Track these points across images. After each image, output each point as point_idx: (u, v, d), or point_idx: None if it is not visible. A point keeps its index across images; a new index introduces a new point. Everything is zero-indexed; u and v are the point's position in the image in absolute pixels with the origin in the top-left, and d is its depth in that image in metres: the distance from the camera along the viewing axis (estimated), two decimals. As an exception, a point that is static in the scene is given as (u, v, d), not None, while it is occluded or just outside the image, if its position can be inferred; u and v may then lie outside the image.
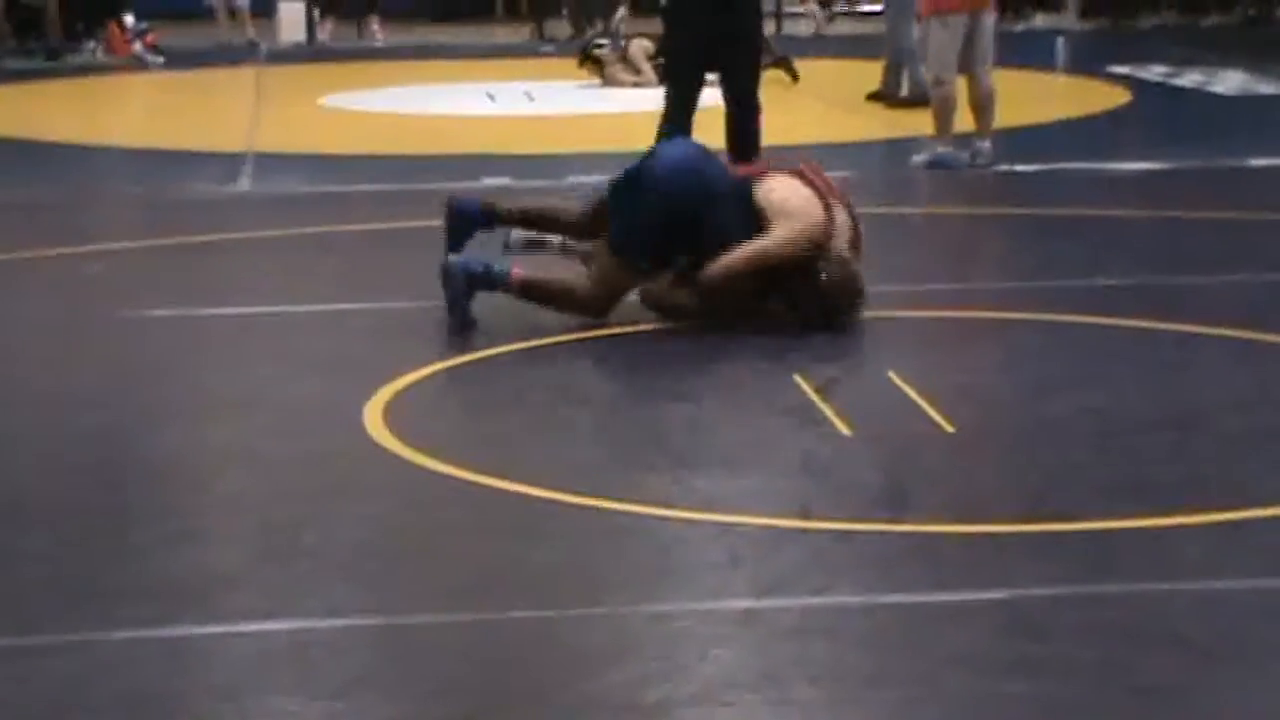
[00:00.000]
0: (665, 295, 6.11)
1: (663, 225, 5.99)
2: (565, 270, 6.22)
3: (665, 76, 9.03)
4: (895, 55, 12.07)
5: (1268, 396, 5.32)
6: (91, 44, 16.46)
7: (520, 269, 6.15)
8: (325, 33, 18.09)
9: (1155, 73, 14.30)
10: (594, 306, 6.10)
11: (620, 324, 6.15)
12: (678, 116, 8.01)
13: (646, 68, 13.76)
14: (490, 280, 6.11)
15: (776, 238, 5.91)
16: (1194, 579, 3.88)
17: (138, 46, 16.03)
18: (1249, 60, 15.00)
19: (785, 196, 5.97)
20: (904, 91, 12.00)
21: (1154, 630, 3.62)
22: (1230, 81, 13.74)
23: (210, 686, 3.47)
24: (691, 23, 8.07)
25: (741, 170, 6.40)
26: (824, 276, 5.87)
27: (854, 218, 6.09)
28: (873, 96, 12.27)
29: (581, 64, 14.13)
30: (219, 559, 4.15)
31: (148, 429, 5.18)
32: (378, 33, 17.94)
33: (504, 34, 18.58)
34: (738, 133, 8.10)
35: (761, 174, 6.17)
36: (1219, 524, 4.18)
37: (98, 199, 9.36)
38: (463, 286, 6.08)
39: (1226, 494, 4.36)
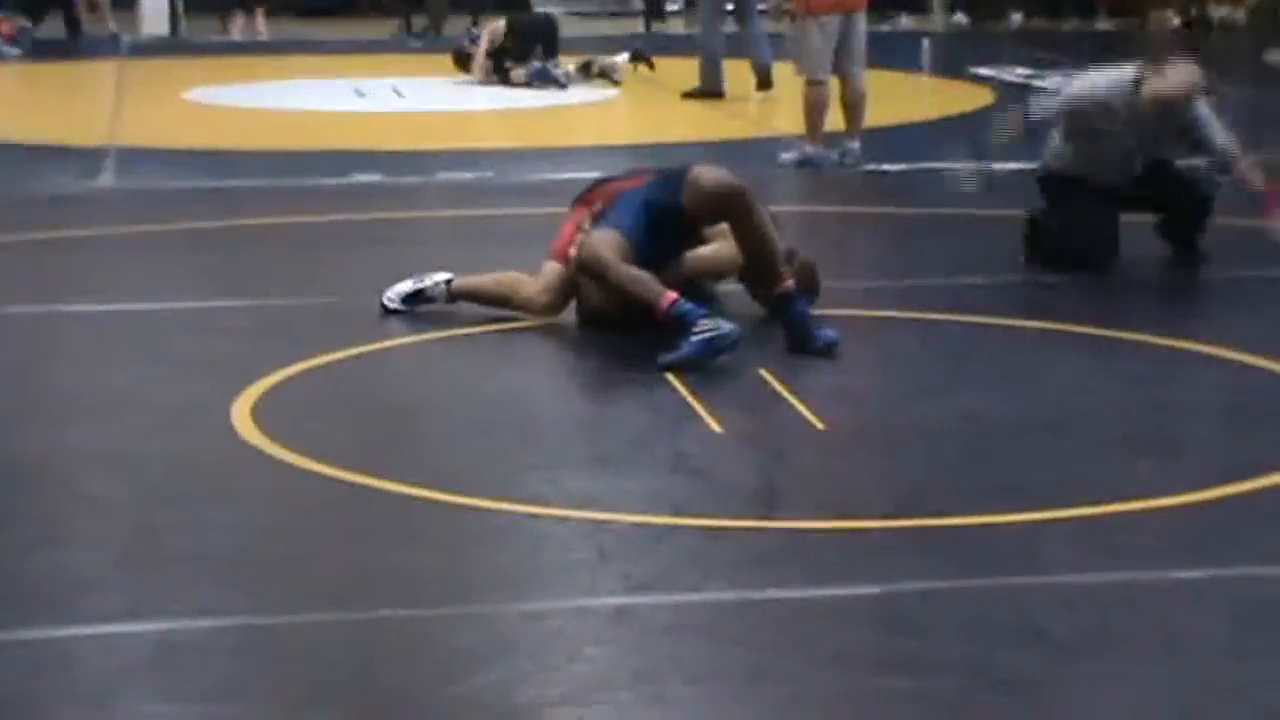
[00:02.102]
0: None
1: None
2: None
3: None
4: (709, 54, 12.36)
5: (1129, 395, 5.42)
6: (-55, 36, 16.10)
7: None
8: (238, 30, 17.77)
9: (1018, 75, 14.52)
10: (548, 306, 6.04)
11: (494, 323, 6.12)
12: None
13: (480, 53, 13.71)
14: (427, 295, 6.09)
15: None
16: (1058, 574, 3.94)
17: (-6, 37, 15.69)
18: (1109, 63, 15.26)
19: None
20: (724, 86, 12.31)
21: (1019, 625, 3.67)
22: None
23: (73, 693, 3.40)
24: None
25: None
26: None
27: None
28: (689, 95, 12.43)
29: (456, 62, 14.07)
30: (82, 562, 4.06)
31: (6, 431, 5.06)
32: (260, 26, 17.69)
33: (371, 30, 18.42)
34: None
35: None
36: (1082, 520, 4.24)
37: (-46, 194, 9.15)
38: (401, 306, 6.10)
39: (1090, 492, 4.43)
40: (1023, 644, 3.57)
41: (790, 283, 5.63)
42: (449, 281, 6.15)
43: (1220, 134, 6.94)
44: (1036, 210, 7.06)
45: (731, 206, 5.61)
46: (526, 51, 13.59)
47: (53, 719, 3.29)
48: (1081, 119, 6.89)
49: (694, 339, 5.37)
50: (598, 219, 5.91)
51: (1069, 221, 6.83)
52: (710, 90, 12.38)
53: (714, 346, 5.38)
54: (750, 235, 5.64)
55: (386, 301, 6.16)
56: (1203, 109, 6.94)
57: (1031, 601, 3.78)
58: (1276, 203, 6.85)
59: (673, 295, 5.51)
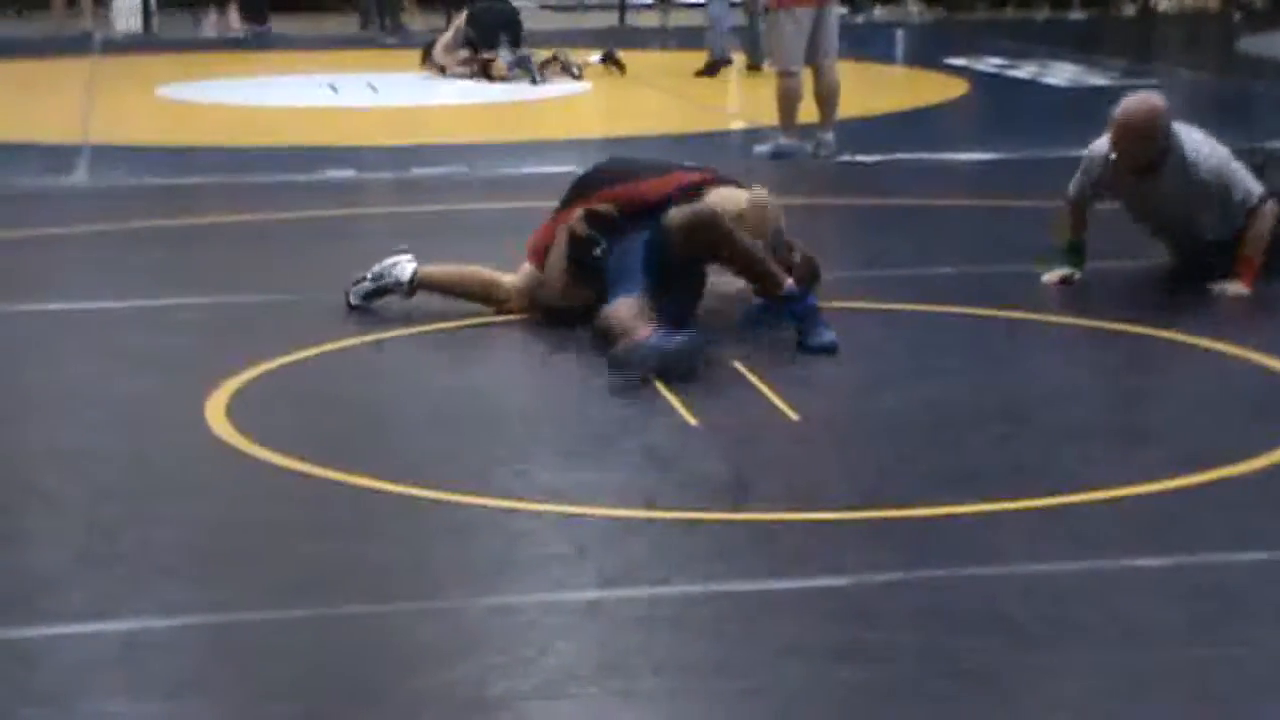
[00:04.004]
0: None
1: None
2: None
3: None
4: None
5: (1090, 383, 5.46)
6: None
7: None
8: (213, 27, 17.71)
9: (991, 65, 14.55)
10: (520, 309, 6.06)
11: (464, 318, 6.13)
12: None
13: (441, 44, 13.76)
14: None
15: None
16: (1020, 563, 3.97)
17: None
18: (1081, 53, 15.33)
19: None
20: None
21: (980, 613, 3.70)
22: (1063, 73, 14.02)
23: (34, 692, 3.39)
24: None
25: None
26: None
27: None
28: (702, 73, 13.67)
29: (424, 62, 14.07)
30: (42, 561, 4.06)
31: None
32: (233, 22, 17.64)
33: (344, 25, 18.38)
34: None
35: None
36: (1044, 509, 4.27)
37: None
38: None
39: (1049, 481, 4.46)
40: (985, 633, 3.60)
41: (790, 284, 5.68)
42: (413, 275, 6.16)
43: (1240, 183, 6.31)
44: None
45: (707, 237, 5.67)
46: (491, 42, 13.59)
47: (13, 718, 3.28)
48: (1093, 197, 6.56)
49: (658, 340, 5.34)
50: (613, 228, 5.91)
51: None
52: (720, 61, 13.67)
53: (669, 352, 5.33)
54: (733, 258, 5.71)
55: (351, 298, 6.18)
56: (1194, 149, 6.29)
57: (993, 591, 3.81)
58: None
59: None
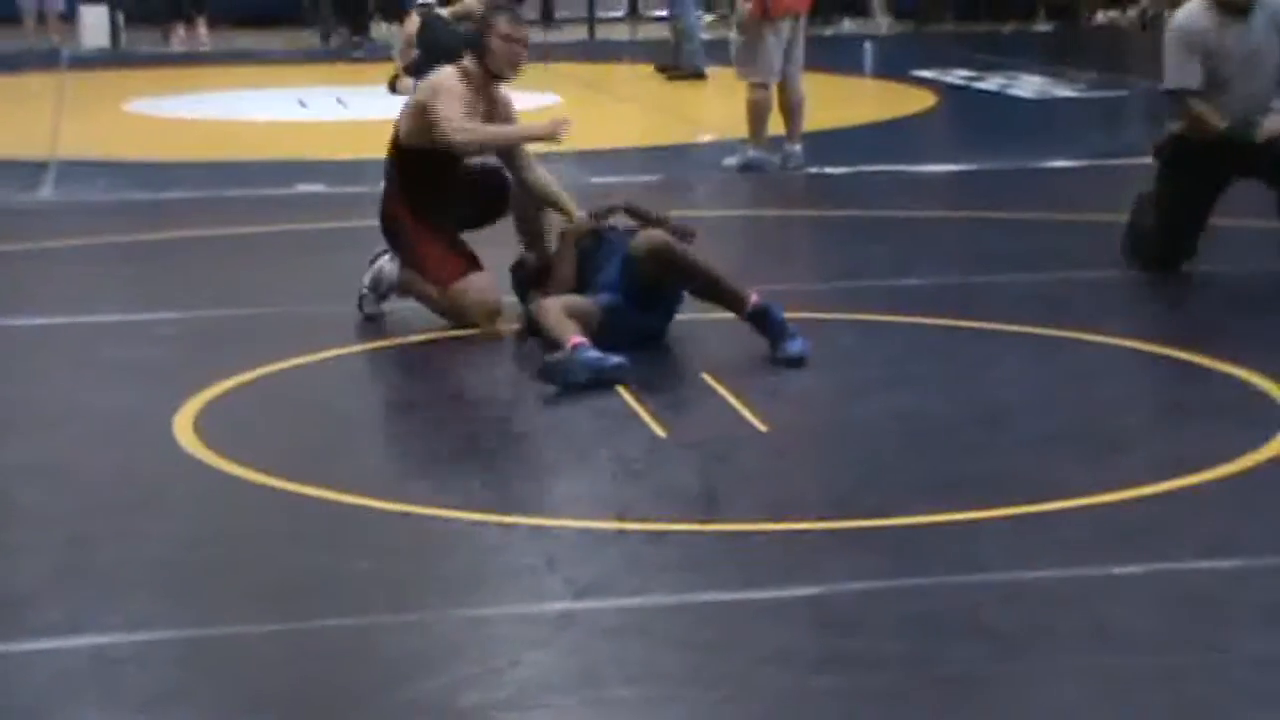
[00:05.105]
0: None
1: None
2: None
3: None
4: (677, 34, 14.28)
5: (1067, 392, 5.47)
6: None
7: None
8: (182, 42, 17.65)
9: (959, 77, 14.61)
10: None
11: (434, 331, 6.12)
12: None
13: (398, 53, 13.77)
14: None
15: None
16: (998, 571, 3.97)
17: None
18: (1048, 65, 15.40)
19: None
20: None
21: (960, 621, 3.70)
22: (1030, 85, 14.09)
23: (10, 707, 3.37)
24: None
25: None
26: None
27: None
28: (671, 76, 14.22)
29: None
30: (19, 574, 4.04)
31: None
32: (202, 37, 17.60)
33: (313, 40, 18.35)
34: None
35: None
36: (1021, 517, 4.28)
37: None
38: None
39: (1028, 488, 4.47)
40: (963, 640, 3.60)
41: (754, 298, 5.71)
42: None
43: None
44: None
45: (665, 262, 5.76)
46: (437, 61, 13.53)
47: (-9, 733, 3.27)
48: None
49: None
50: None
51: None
52: (692, 71, 14.06)
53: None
54: (693, 280, 5.79)
55: (365, 310, 6.24)
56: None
57: (971, 598, 3.81)
58: None
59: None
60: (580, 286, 5.94)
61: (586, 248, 6.05)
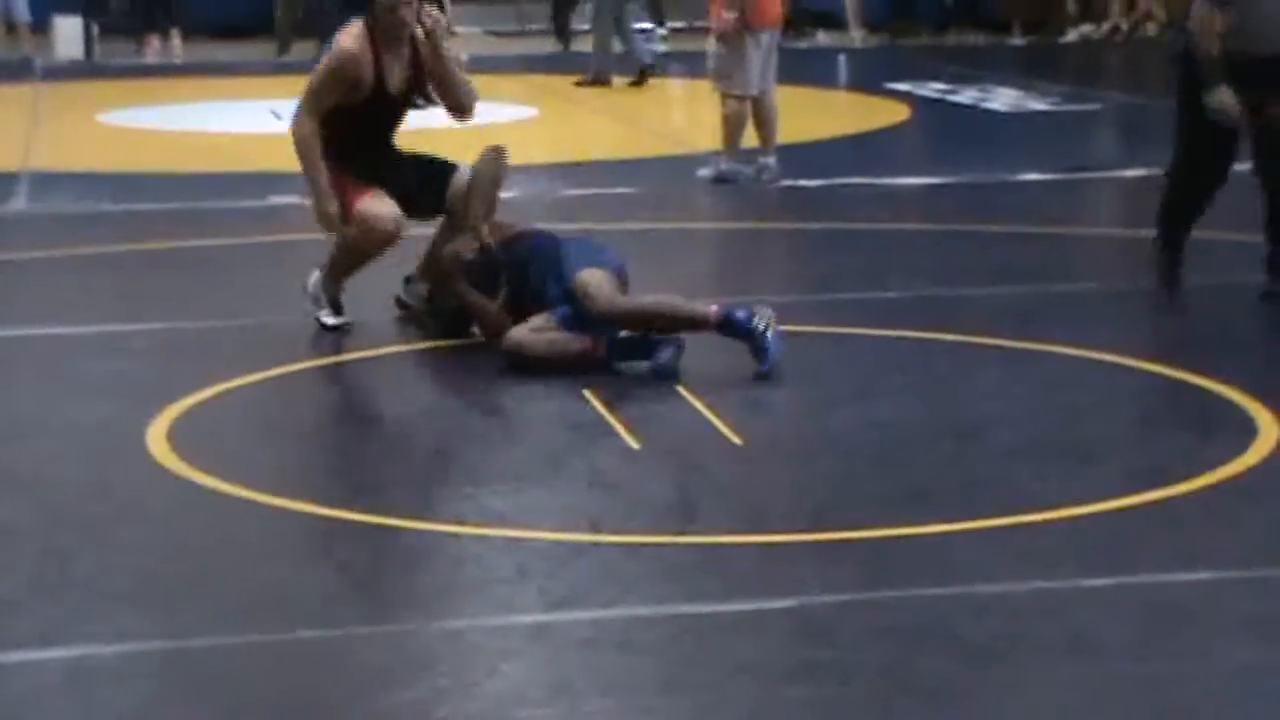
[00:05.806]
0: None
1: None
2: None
3: None
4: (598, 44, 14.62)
5: (1041, 405, 5.48)
6: None
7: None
8: (155, 54, 17.58)
9: (933, 90, 14.66)
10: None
11: (407, 342, 6.12)
12: None
13: None
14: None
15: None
16: (970, 583, 3.98)
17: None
18: (1022, 78, 15.46)
19: None
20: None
21: (933, 633, 3.71)
22: (1004, 98, 14.14)
23: (-15, 719, 3.37)
24: None
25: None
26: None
27: None
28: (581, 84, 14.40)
29: None
30: (-7, 587, 4.03)
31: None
32: (176, 48, 17.54)
33: (295, 52, 18.30)
34: None
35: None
36: (996, 529, 4.29)
37: None
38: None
39: (1003, 500, 4.48)
40: (936, 651, 3.61)
41: (715, 311, 5.68)
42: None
43: None
44: None
45: (618, 318, 5.75)
46: None
47: (-36, 747, 3.26)
48: None
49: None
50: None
51: None
52: (601, 79, 14.35)
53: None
54: (649, 325, 5.75)
55: (327, 323, 6.21)
56: None
57: (945, 609, 3.82)
58: None
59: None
60: (523, 299, 5.90)
61: (495, 261, 5.98)
